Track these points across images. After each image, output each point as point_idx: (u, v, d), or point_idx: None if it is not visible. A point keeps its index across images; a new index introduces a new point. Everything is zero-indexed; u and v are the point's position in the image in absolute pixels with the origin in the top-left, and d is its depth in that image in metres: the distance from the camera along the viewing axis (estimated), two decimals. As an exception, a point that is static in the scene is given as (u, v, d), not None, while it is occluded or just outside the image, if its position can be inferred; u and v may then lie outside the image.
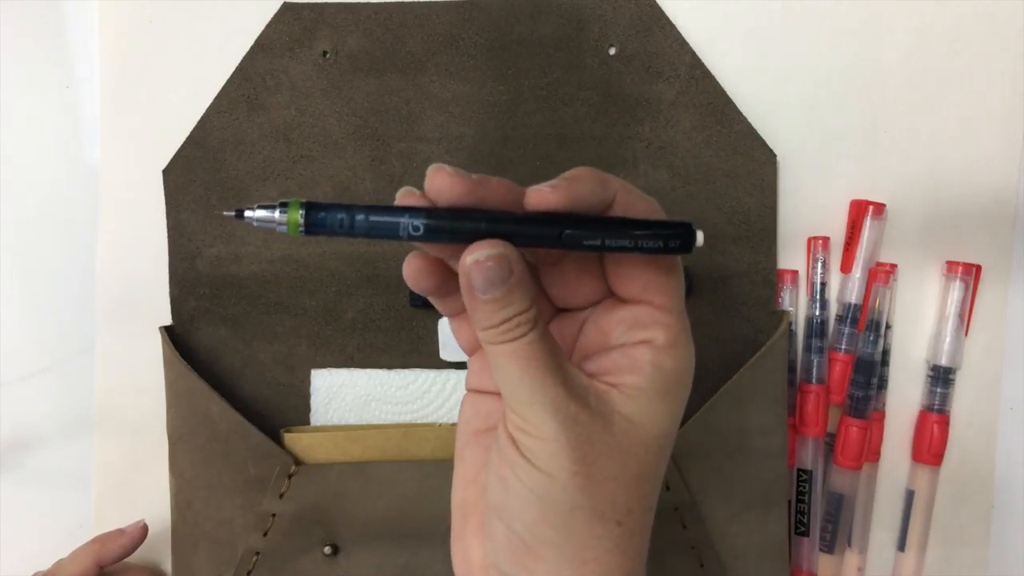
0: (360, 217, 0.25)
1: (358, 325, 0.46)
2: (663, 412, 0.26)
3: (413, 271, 0.27)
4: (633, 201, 0.26)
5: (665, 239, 0.25)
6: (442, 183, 0.25)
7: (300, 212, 0.25)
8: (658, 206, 0.27)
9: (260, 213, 0.25)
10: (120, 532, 0.44)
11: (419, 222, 0.25)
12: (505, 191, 0.25)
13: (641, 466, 0.26)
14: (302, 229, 0.25)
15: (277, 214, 0.24)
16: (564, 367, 0.26)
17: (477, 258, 0.25)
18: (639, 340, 0.26)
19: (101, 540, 0.44)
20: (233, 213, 0.25)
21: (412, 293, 0.45)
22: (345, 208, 0.25)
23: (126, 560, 0.45)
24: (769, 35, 0.45)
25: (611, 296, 0.28)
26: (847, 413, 0.44)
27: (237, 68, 0.45)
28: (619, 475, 0.26)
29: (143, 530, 0.45)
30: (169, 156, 0.46)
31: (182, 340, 0.46)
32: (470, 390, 0.30)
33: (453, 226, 0.25)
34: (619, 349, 0.27)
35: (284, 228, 0.25)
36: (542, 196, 0.25)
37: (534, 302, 0.26)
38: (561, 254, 0.27)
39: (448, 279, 0.28)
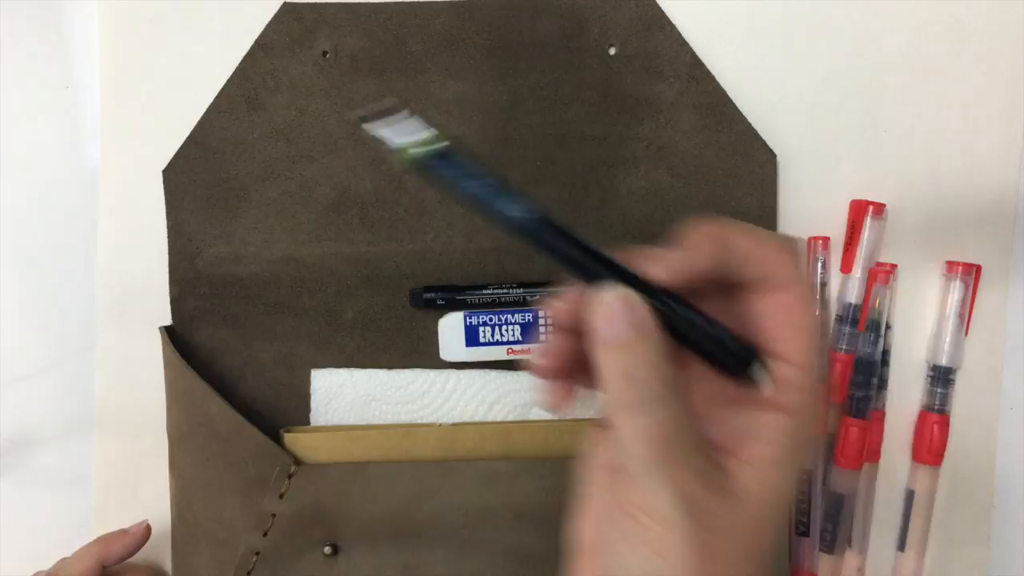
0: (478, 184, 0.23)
1: (358, 325, 0.46)
2: (788, 480, 0.24)
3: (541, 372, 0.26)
4: (755, 245, 0.24)
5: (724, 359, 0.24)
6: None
7: (435, 146, 0.23)
8: (788, 247, 0.25)
9: (386, 127, 0.23)
10: (123, 532, 0.44)
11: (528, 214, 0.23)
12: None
13: (763, 542, 0.24)
14: (421, 163, 0.23)
15: (417, 136, 0.23)
16: (695, 444, 0.23)
17: (605, 299, 0.23)
18: (769, 403, 0.24)
19: (104, 540, 0.44)
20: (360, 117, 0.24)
21: (412, 293, 0.45)
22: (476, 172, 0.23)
23: (129, 560, 0.45)
24: (769, 35, 0.45)
25: None
26: (847, 413, 0.44)
27: (237, 68, 0.45)
28: (741, 557, 0.23)
29: (147, 530, 0.45)
30: (169, 156, 0.46)
31: (182, 340, 0.46)
32: (594, 424, 0.28)
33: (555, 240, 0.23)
34: (744, 411, 0.24)
35: (415, 149, 0.23)
36: (650, 266, 0.24)
37: (670, 370, 0.23)
38: None
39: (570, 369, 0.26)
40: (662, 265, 0.24)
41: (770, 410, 0.24)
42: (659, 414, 0.23)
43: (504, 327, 0.43)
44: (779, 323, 0.24)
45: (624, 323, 0.23)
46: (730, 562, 0.23)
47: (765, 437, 0.24)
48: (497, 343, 0.43)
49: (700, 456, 0.23)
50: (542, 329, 0.43)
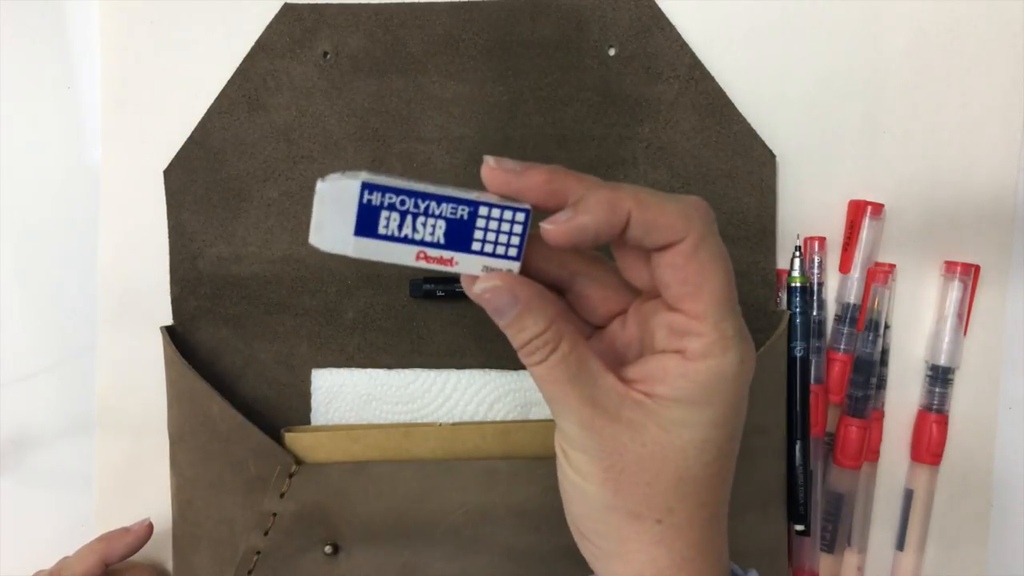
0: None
1: (358, 325, 0.46)
2: (699, 420, 0.27)
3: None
4: (654, 217, 0.26)
5: None
6: (484, 175, 0.26)
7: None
8: (684, 205, 0.26)
9: None
10: (126, 530, 0.44)
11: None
12: (543, 182, 0.26)
13: (680, 470, 0.27)
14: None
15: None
16: (593, 383, 0.27)
17: (476, 292, 0.27)
18: (674, 349, 0.27)
19: (106, 538, 0.44)
20: None
21: (412, 283, 0.45)
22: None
23: (130, 559, 0.45)
24: (769, 35, 0.45)
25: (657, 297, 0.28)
26: (846, 413, 0.44)
27: (238, 69, 0.45)
28: (653, 480, 0.27)
29: (148, 528, 0.45)
30: (170, 156, 0.46)
31: (183, 340, 0.46)
32: None
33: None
34: (656, 357, 0.27)
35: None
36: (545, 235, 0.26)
37: (552, 323, 0.27)
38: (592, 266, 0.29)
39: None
40: (557, 236, 0.26)
41: (673, 355, 0.27)
42: (550, 360, 0.27)
43: (423, 218, 0.27)
44: (677, 280, 0.26)
45: (504, 307, 0.27)
46: (642, 483, 0.27)
47: (665, 379, 0.27)
48: (404, 240, 0.27)
49: (603, 396, 0.27)
50: (480, 234, 0.27)
